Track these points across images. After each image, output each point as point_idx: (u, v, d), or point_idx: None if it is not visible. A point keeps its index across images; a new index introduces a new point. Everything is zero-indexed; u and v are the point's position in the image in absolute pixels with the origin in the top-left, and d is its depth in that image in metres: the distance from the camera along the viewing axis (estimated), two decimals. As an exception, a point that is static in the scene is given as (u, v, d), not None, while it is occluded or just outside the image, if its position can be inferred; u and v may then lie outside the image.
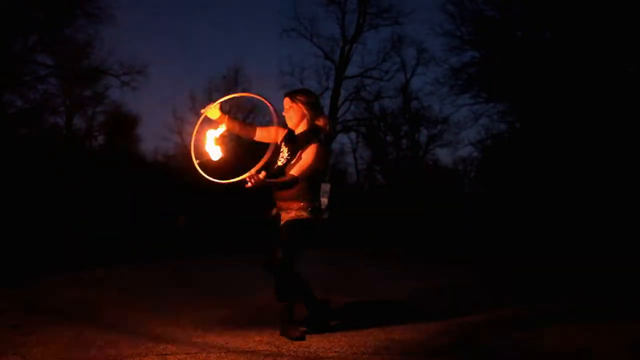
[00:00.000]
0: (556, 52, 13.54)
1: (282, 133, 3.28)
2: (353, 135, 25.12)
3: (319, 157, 3.08)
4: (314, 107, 3.21)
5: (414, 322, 3.57)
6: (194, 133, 3.08)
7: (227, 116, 3.21)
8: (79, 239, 10.80)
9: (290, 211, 3.16)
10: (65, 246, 9.65)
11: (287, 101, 3.22)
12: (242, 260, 8.41)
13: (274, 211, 3.26)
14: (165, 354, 2.69)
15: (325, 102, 22.85)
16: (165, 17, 40.80)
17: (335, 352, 2.78)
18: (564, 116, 13.28)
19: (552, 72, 13.49)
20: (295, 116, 3.21)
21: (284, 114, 3.24)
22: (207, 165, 3.00)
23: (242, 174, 2.84)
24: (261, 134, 3.30)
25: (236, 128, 3.25)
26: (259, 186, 2.82)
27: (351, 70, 23.60)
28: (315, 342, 2.99)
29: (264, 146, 3.16)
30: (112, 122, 21.94)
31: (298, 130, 3.24)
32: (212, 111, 3.14)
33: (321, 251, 8.05)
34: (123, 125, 22.06)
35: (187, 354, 2.70)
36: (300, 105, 3.19)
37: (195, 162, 2.98)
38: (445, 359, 2.79)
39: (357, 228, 15.56)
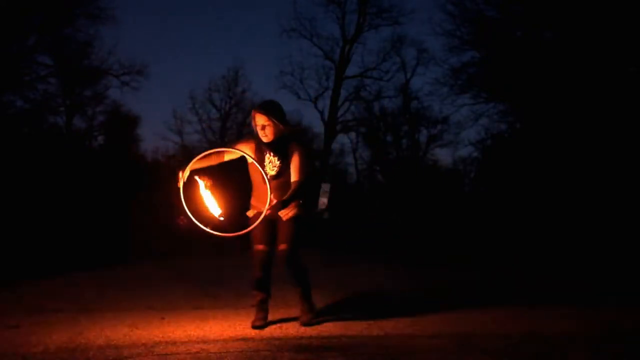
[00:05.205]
0: (556, 52, 13.53)
1: (249, 147, 3.40)
2: (353, 135, 25.18)
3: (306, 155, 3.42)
4: (283, 119, 3.40)
5: (413, 322, 3.57)
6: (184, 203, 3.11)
7: (195, 167, 3.23)
8: (79, 239, 10.80)
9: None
10: (64, 246, 9.65)
11: (264, 119, 3.32)
12: (240, 260, 8.42)
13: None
14: (166, 354, 2.69)
15: (326, 102, 22.86)
16: (165, 17, 40.82)
17: (335, 351, 2.78)
18: (564, 116, 13.27)
19: (552, 72, 13.46)
20: (271, 132, 3.34)
21: (259, 129, 3.34)
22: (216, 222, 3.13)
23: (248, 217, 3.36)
24: (230, 156, 3.41)
25: (210, 162, 3.34)
26: (283, 209, 3.13)
27: (351, 70, 23.59)
28: (314, 342, 2.99)
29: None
30: (112, 122, 21.93)
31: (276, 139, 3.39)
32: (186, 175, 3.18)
33: (320, 251, 8.05)
34: (123, 125, 22.05)
35: (187, 353, 2.70)
36: (275, 121, 3.33)
37: (208, 229, 3.05)
38: (444, 358, 2.79)
39: (357, 228, 15.55)
